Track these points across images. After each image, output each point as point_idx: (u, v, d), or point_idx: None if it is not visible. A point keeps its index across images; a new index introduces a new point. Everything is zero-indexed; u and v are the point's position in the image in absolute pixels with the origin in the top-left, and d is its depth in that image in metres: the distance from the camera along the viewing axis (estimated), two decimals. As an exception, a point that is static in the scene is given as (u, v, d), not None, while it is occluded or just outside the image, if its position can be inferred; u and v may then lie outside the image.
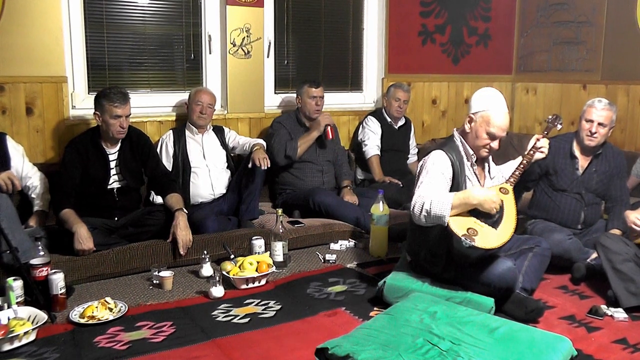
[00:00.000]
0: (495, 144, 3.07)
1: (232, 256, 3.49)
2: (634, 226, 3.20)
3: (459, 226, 2.82)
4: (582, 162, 3.77)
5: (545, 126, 3.47)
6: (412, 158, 5.27)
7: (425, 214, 2.85)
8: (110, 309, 2.89)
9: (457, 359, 2.27)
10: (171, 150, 4.16)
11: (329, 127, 4.49)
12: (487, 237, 2.82)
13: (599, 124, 3.63)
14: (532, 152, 3.23)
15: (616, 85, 5.31)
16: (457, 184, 3.02)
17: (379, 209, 3.78)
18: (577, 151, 3.78)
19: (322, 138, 4.56)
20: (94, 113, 3.62)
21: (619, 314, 3.01)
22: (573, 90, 5.68)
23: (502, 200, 2.92)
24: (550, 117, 3.51)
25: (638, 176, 4.52)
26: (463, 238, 2.77)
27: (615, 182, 3.81)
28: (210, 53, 4.64)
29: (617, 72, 5.33)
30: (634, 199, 3.93)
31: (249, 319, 2.90)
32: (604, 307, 3.08)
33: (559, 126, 3.46)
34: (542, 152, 3.20)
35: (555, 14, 5.84)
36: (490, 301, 2.88)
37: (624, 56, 5.27)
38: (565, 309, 3.11)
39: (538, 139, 3.21)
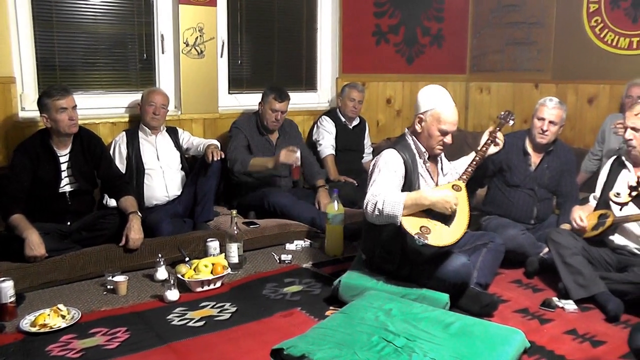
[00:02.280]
0: (448, 139, 3.11)
1: (187, 259, 3.45)
2: (574, 223, 3.30)
3: (412, 225, 2.84)
4: (535, 158, 3.86)
5: (497, 122, 3.53)
6: (367, 157, 5.29)
7: (378, 213, 2.87)
8: (63, 317, 2.82)
9: (412, 355, 2.28)
10: (124, 152, 4.09)
11: (293, 167, 4.23)
12: (440, 235, 2.85)
13: (550, 122, 3.72)
14: (484, 148, 3.27)
15: (566, 85, 5.45)
16: (409, 182, 3.05)
17: (334, 208, 3.79)
18: (529, 148, 3.86)
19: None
20: (41, 116, 3.53)
21: (570, 305, 3.09)
22: (525, 89, 5.81)
23: (456, 199, 2.94)
24: (502, 113, 3.56)
25: (587, 172, 4.64)
26: (416, 237, 2.79)
27: (565, 178, 3.91)
28: (163, 53, 4.58)
29: (567, 71, 5.48)
30: (583, 194, 4.03)
31: (204, 322, 2.87)
32: (555, 299, 3.16)
33: (511, 122, 3.52)
34: (497, 143, 3.26)
35: (507, 15, 5.96)
36: (445, 297, 2.91)
37: (572, 56, 5.41)
38: (519, 303, 3.17)
39: (491, 133, 3.26)
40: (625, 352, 2.53)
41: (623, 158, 3.29)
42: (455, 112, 3.12)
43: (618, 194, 2.72)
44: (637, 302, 2.98)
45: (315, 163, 4.75)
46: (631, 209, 2.95)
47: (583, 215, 3.32)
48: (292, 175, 4.37)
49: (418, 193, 2.91)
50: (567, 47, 5.45)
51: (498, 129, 3.41)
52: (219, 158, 3.95)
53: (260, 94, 4.53)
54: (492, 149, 3.29)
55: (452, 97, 6.08)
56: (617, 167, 3.33)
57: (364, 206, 2.93)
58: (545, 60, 5.65)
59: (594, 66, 5.24)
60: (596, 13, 5.19)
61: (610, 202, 2.79)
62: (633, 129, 3.12)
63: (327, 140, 4.95)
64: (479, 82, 6.28)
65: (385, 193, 2.88)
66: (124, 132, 4.17)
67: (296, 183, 4.48)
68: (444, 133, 3.09)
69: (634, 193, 2.40)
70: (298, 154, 4.13)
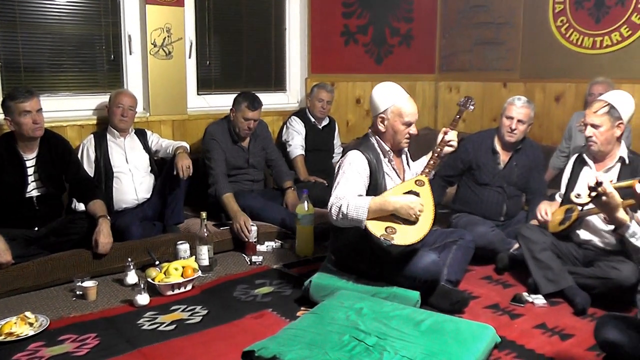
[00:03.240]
0: (413, 130, 3.14)
1: (157, 262, 3.42)
2: (538, 215, 3.37)
3: (377, 227, 2.85)
4: (503, 156, 3.91)
5: (457, 110, 3.51)
6: (337, 157, 5.25)
7: (342, 217, 2.88)
8: (31, 324, 2.77)
9: (383, 354, 2.29)
10: (92, 155, 4.02)
11: (246, 242, 3.92)
12: (406, 234, 2.86)
13: (519, 120, 3.77)
14: (439, 148, 3.24)
15: (534, 83, 5.52)
16: (375, 182, 3.06)
17: (304, 208, 3.79)
18: (498, 146, 3.91)
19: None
20: (5, 119, 3.47)
21: (539, 300, 3.14)
22: (494, 89, 5.86)
23: (421, 205, 2.92)
24: (461, 100, 3.53)
25: (555, 168, 4.71)
26: (382, 239, 2.80)
27: (534, 175, 3.97)
28: (130, 54, 4.52)
29: (534, 70, 5.55)
30: (552, 190, 4.08)
31: (175, 325, 2.85)
32: (525, 294, 3.21)
33: (472, 107, 3.51)
34: (451, 145, 3.24)
35: (475, 15, 6.02)
36: (415, 295, 2.92)
37: (539, 56, 5.49)
38: (489, 298, 3.21)
39: (445, 132, 3.24)
40: (592, 344, 2.57)
41: (584, 155, 3.35)
42: (413, 102, 3.16)
43: (579, 195, 2.77)
44: (603, 296, 3.05)
45: (284, 164, 4.73)
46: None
47: (549, 210, 3.38)
48: (246, 249, 3.93)
49: (383, 198, 2.91)
50: (534, 47, 5.53)
51: (458, 116, 3.40)
52: (186, 178, 3.91)
53: (229, 95, 4.49)
54: (449, 148, 3.26)
55: (422, 96, 6.13)
56: (579, 164, 3.38)
57: (329, 209, 2.94)
58: (513, 59, 5.72)
59: (561, 65, 5.32)
60: (561, 13, 5.27)
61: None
62: (592, 125, 3.18)
63: (296, 140, 4.94)
64: (449, 82, 6.33)
65: (349, 197, 2.89)
66: (92, 135, 4.10)
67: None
68: (408, 125, 3.12)
69: (593, 193, 2.45)
70: (253, 232, 3.91)
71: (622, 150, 3.22)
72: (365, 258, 3.02)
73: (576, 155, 3.46)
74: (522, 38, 5.62)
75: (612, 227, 2.92)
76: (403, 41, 6.08)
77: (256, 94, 4.36)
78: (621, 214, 2.31)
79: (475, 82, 6.02)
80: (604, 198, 2.39)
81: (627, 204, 2.53)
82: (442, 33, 6.34)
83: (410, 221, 2.90)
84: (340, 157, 3.20)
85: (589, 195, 2.51)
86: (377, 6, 5.82)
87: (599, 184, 2.41)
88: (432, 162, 3.21)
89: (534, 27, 5.51)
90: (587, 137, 3.21)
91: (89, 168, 3.97)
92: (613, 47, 4.95)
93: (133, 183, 4.06)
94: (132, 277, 3.33)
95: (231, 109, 4.36)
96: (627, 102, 3.18)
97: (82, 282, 3.20)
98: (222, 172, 4.22)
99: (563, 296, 3.14)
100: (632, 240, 2.19)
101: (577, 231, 3.29)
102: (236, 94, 4.38)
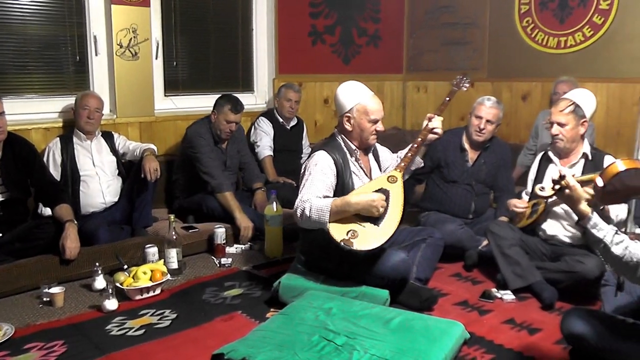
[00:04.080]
0: (380, 126, 3.16)
1: (126, 266, 3.38)
2: (514, 209, 3.41)
3: (339, 231, 2.85)
4: (472, 154, 3.95)
5: (449, 90, 3.47)
6: (306, 157, 5.26)
7: (306, 219, 2.89)
8: (-5, 334, 2.71)
9: (353, 353, 2.30)
10: (59, 159, 3.96)
11: (215, 244, 3.91)
12: (368, 238, 2.84)
13: (487, 120, 3.82)
14: (424, 133, 3.23)
15: (501, 83, 5.59)
16: (342, 181, 3.07)
17: (273, 209, 3.79)
18: (466, 145, 3.95)
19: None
20: None
21: (508, 295, 3.19)
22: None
23: (383, 201, 2.90)
24: (457, 77, 3.50)
25: (523, 166, 4.78)
26: (342, 244, 2.80)
27: (502, 172, 4.02)
28: (96, 55, 4.45)
29: (501, 70, 5.62)
30: (519, 187, 4.14)
31: (144, 330, 2.82)
32: (494, 290, 3.25)
33: (465, 87, 3.49)
34: (435, 133, 3.23)
35: (442, 15, 6.07)
36: (385, 293, 2.93)
37: (506, 55, 5.56)
38: (458, 295, 3.25)
39: (430, 118, 3.24)
40: (560, 338, 2.61)
41: (550, 153, 3.40)
42: (378, 100, 3.18)
43: (542, 187, 2.82)
44: (570, 290, 3.11)
45: (256, 167, 4.72)
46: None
47: (519, 204, 3.43)
48: (215, 252, 3.90)
49: (343, 199, 2.90)
50: (501, 47, 5.59)
51: (447, 99, 3.38)
52: (154, 180, 3.88)
53: (197, 97, 4.42)
54: (433, 135, 3.24)
55: (390, 96, 6.13)
56: (545, 162, 3.44)
57: (294, 211, 2.95)
58: (480, 59, 5.78)
59: (527, 65, 5.39)
60: (527, 14, 5.35)
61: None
62: (559, 124, 3.24)
63: (264, 141, 4.91)
64: (416, 82, 6.37)
65: (312, 199, 2.90)
66: (58, 138, 4.03)
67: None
68: (374, 122, 3.14)
69: (557, 186, 2.49)
70: (222, 234, 3.88)
71: (585, 147, 3.29)
72: (334, 258, 3.02)
73: (542, 153, 3.52)
74: (488, 38, 5.69)
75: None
76: (371, 41, 6.10)
77: (237, 97, 4.35)
78: (583, 207, 2.37)
79: (443, 81, 6.05)
80: (566, 191, 2.44)
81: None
82: (409, 33, 6.38)
83: (375, 222, 2.89)
84: (307, 158, 3.19)
85: (553, 188, 2.56)
86: (345, 6, 5.83)
87: (562, 177, 2.46)
88: (410, 154, 3.21)
89: (500, 28, 5.58)
90: (554, 135, 3.27)
91: (55, 172, 3.90)
92: (576, 47, 5.04)
93: (100, 186, 4.00)
94: (100, 282, 3.29)
95: (212, 111, 4.34)
96: (590, 101, 3.26)
97: (49, 289, 3.15)
98: (217, 166, 4.20)
99: (531, 291, 3.19)
100: (594, 231, 2.24)
101: (543, 227, 3.35)
102: (203, 95, 4.34)
